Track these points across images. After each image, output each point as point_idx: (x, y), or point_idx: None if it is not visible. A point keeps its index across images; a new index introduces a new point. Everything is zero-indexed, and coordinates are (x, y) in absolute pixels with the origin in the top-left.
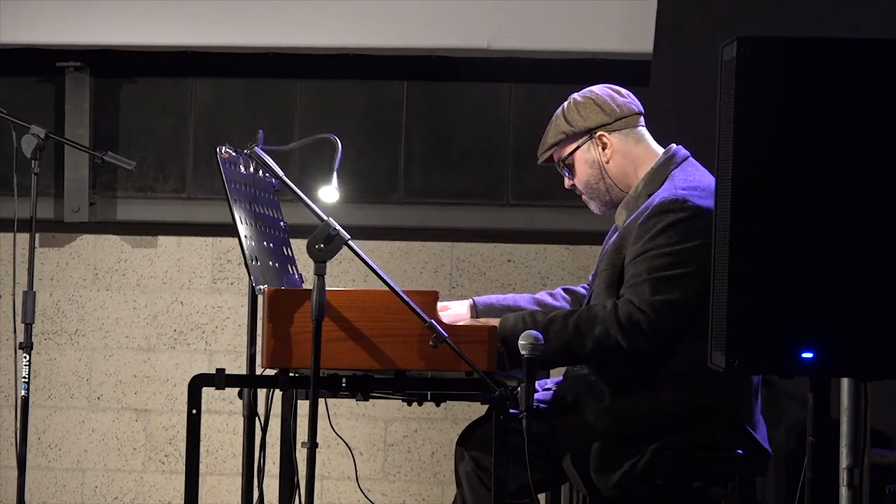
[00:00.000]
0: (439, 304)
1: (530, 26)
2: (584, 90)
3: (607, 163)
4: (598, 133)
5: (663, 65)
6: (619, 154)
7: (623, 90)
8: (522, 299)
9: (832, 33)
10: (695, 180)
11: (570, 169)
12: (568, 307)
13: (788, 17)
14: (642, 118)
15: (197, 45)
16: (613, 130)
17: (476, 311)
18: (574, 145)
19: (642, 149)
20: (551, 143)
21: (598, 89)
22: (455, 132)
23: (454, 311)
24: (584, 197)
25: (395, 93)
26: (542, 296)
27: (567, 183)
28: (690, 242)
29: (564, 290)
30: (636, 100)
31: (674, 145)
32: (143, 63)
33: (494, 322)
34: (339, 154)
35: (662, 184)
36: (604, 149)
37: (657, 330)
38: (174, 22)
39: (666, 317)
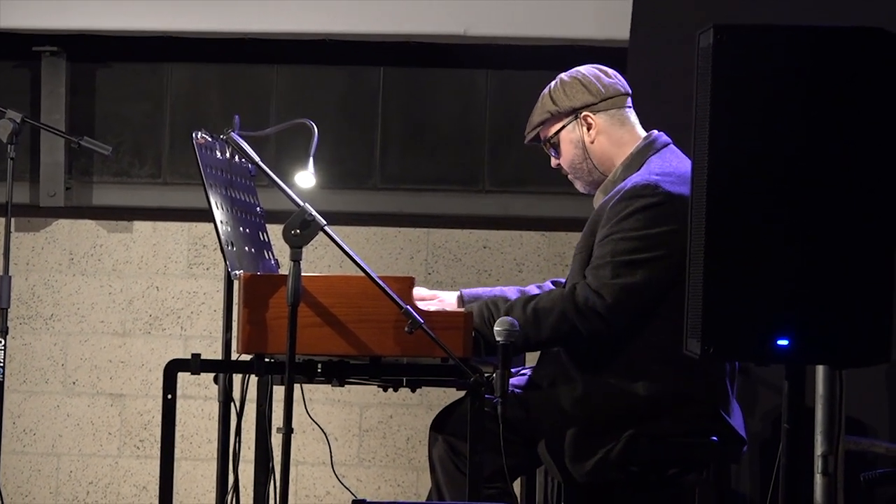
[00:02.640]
0: (429, 292)
1: (507, 13)
2: (571, 70)
3: (591, 143)
4: (584, 113)
5: (640, 51)
6: (604, 135)
7: (610, 70)
8: (510, 291)
9: (811, 21)
10: (670, 167)
11: (556, 148)
12: None
13: (766, 4)
14: (629, 99)
15: (173, 30)
16: (599, 111)
17: (463, 303)
18: (559, 125)
19: (626, 131)
20: (537, 123)
21: (586, 69)
22: (431, 118)
23: (444, 299)
24: (569, 176)
25: (372, 79)
26: (531, 288)
27: (553, 162)
28: (658, 228)
29: (553, 282)
30: (623, 80)
31: (655, 131)
32: (119, 48)
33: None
34: (315, 139)
35: (639, 169)
36: (588, 129)
37: (614, 314)
38: (151, 7)
39: (623, 301)
